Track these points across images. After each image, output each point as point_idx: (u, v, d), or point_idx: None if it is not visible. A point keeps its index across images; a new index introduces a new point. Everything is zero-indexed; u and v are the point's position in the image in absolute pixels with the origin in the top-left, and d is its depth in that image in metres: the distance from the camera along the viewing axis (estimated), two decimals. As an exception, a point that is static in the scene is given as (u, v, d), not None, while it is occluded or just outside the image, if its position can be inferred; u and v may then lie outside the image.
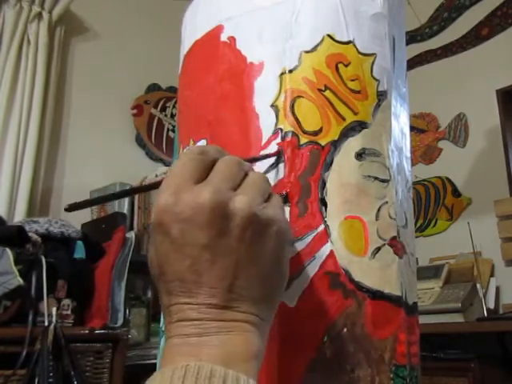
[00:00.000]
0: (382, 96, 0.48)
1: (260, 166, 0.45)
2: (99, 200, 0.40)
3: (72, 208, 0.36)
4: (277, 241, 0.34)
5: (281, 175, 0.44)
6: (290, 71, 0.46)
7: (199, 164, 0.34)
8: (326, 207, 0.43)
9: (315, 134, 0.45)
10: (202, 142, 0.50)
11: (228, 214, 0.32)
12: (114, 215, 2.03)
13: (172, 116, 2.78)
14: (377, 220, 0.44)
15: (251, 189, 0.34)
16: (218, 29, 0.51)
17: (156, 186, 0.35)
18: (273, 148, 0.45)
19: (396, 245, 0.45)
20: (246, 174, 0.36)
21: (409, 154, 0.53)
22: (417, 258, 0.68)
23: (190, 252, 0.32)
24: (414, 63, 2.59)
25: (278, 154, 0.44)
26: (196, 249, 0.32)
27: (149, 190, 0.39)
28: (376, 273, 0.43)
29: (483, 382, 1.65)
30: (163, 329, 0.49)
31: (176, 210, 0.32)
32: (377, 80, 0.48)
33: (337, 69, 0.46)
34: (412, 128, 2.43)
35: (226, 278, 0.32)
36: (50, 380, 1.26)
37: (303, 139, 0.45)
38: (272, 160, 0.45)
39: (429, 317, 1.74)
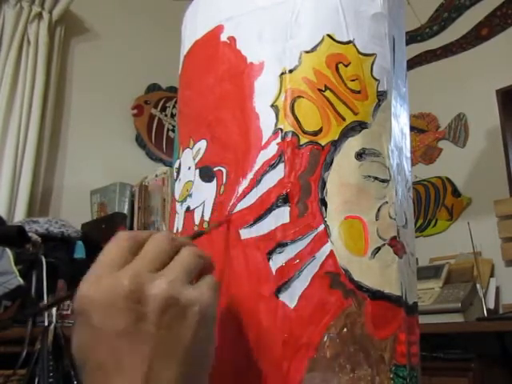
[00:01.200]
0: (381, 96, 0.48)
1: (260, 166, 0.45)
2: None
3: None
4: (198, 322, 0.33)
5: (281, 175, 0.44)
6: (290, 71, 0.46)
7: (124, 249, 0.34)
8: (326, 207, 0.43)
9: (315, 134, 0.45)
10: (202, 142, 0.50)
11: (144, 299, 0.32)
12: (114, 215, 2.03)
13: (172, 116, 2.77)
14: (377, 220, 0.44)
15: (176, 269, 0.34)
16: (218, 29, 0.51)
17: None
18: (273, 148, 0.45)
19: (396, 245, 0.45)
20: (178, 251, 0.35)
21: (409, 154, 0.53)
22: (417, 258, 0.67)
23: (108, 339, 0.31)
24: (413, 63, 2.59)
25: (226, 222, 0.44)
26: (113, 336, 0.31)
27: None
28: (376, 273, 0.43)
29: (483, 381, 1.64)
30: None
31: (95, 297, 0.32)
32: (377, 80, 0.48)
33: (337, 69, 0.46)
34: (412, 128, 2.43)
35: (145, 365, 0.31)
36: (50, 380, 1.26)
37: (303, 139, 0.45)
38: (272, 160, 0.45)
39: (429, 317, 1.74)
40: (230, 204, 0.45)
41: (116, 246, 0.34)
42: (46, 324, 1.38)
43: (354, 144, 0.45)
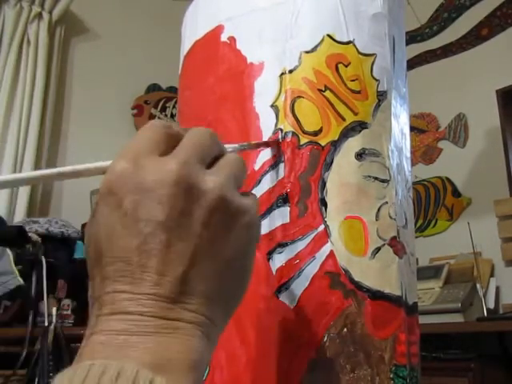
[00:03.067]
0: (381, 96, 0.48)
1: (260, 166, 0.45)
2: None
3: None
4: (245, 235, 0.29)
5: (281, 175, 0.44)
6: (290, 71, 0.46)
7: (165, 136, 0.29)
8: (325, 207, 0.43)
9: (315, 134, 0.45)
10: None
11: (195, 192, 0.27)
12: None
13: (172, 116, 2.78)
14: (377, 220, 0.44)
15: (226, 171, 0.29)
16: (219, 29, 0.51)
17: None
18: (273, 148, 0.45)
19: (396, 245, 0.45)
20: (221, 154, 0.31)
21: (409, 154, 0.53)
22: (417, 258, 0.68)
23: (143, 229, 0.26)
24: (413, 63, 2.59)
25: (278, 144, 0.44)
26: (150, 225, 0.26)
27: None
28: (376, 273, 0.43)
29: (483, 381, 1.64)
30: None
31: (133, 178, 0.27)
32: (377, 80, 0.48)
33: (337, 69, 0.46)
34: (412, 128, 2.43)
35: (180, 265, 0.26)
36: (50, 380, 1.26)
37: (303, 139, 0.45)
38: (272, 160, 0.45)
39: (429, 317, 1.74)
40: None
41: (153, 132, 0.29)
42: (46, 324, 1.38)
43: (353, 144, 0.45)
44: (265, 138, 0.46)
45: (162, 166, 0.27)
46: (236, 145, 0.38)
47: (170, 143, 0.29)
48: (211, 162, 0.30)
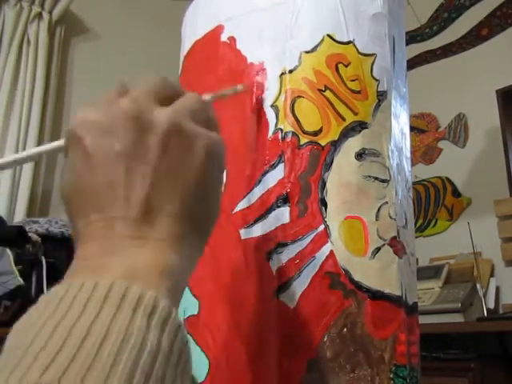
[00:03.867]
0: (381, 96, 0.48)
1: (260, 166, 0.45)
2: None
3: None
4: (203, 157, 0.30)
5: (281, 175, 0.44)
6: (290, 71, 0.46)
7: (121, 85, 0.32)
8: (326, 207, 0.43)
9: (315, 134, 0.45)
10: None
11: (147, 123, 0.29)
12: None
13: (172, 116, 2.78)
14: (377, 220, 0.44)
15: (178, 105, 0.31)
16: (219, 29, 0.51)
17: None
18: (273, 148, 0.45)
19: (396, 245, 0.45)
20: (178, 95, 0.33)
21: (409, 154, 0.53)
22: (417, 258, 0.68)
23: (103, 161, 0.28)
24: (413, 63, 2.59)
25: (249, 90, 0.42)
26: (109, 157, 0.28)
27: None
28: (376, 273, 0.43)
29: (483, 382, 1.64)
30: None
31: (91, 119, 0.29)
32: (377, 80, 0.48)
33: (337, 69, 0.46)
34: (412, 128, 2.42)
35: (143, 188, 0.28)
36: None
37: (303, 139, 0.45)
38: (272, 160, 0.45)
39: (429, 317, 1.74)
40: (230, 204, 0.45)
41: (113, 91, 0.32)
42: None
43: (353, 144, 0.45)
44: (264, 138, 0.46)
45: (114, 105, 0.30)
46: (208, 96, 0.38)
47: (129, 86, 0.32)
48: (167, 102, 0.31)
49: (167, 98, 0.32)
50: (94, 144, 0.28)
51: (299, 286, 0.41)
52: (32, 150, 0.34)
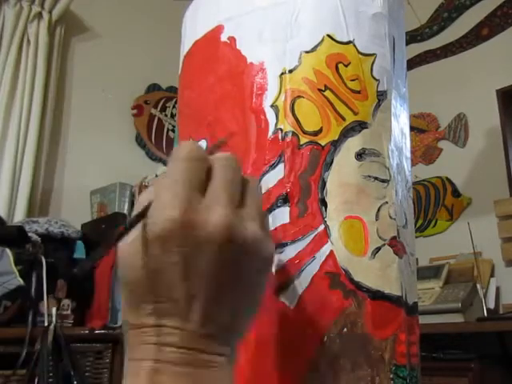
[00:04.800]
0: (381, 96, 0.48)
1: (259, 166, 0.45)
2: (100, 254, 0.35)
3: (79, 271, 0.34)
4: (260, 273, 0.33)
5: (281, 175, 0.44)
6: (290, 71, 0.46)
7: (200, 172, 0.32)
8: (326, 207, 0.43)
9: (315, 134, 0.45)
10: (202, 142, 0.50)
11: (239, 243, 0.30)
12: (113, 215, 2.03)
13: (172, 116, 2.78)
14: (377, 220, 0.44)
15: (255, 210, 0.33)
16: (218, 29, 0.51)
17: (138, 219, 0.31)
18: (273, 148, 0.45)
19: (396, 245, 0.45)
20: (244, 182, 0.34)
21: (409, 154, 0.53)
22: (417, 258, 0.67)
23: (191, 277, 0.30)
24: (413, 63, 2.59)
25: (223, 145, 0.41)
26: (197, 276, 0.30)
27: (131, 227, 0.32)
28: (376, 273, 0.43)
29: (483, 382, 1.64)
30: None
31: (188, 231, 0.29)
32: (377, 80, 0.48)
33: (337, 69, 0.46)
34: (412, 128, 2.43)
35: (224, 310, 0.31)
36: (50, 380, 1.26)
37: (303, 139, 0.45)
38: (272, 160, 0.45)
39: (429, 317, 1.74)
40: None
41: (189, 166, 0.31)
42: (46, 324, 1.38)
43: (353, 144, 0.45)
44: (264, 138, 0.46)
45: (207, 218, 0.30)
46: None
47: (203, 177, 0.32)
48: (240, 194, 0.33)
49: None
50: (185, 258, 0.29)
51: (299, 286, 0.41)
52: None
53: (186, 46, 0.57)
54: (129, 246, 0.31)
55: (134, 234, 0.30)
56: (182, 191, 0.30)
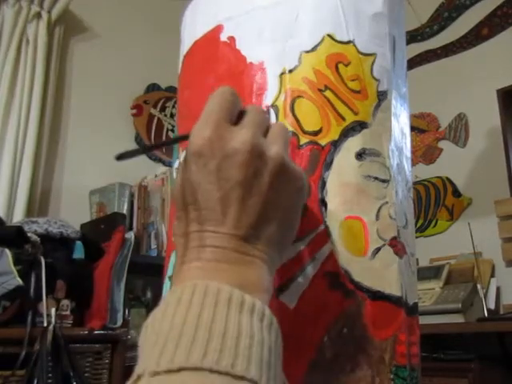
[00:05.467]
0: (382, 96, 0.48)
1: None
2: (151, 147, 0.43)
3: (122, 156, 0.38)
4: (296, 194, 0.37)
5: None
6: (290, 71, 0.46)
7: (233, 106, 0.37)
8: (326, 207, 0.43)
9: (315, 133, 0.45)
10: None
11: (263, 159, 0.34)
12: (113, 215, 2.03)
13: (171, 116, 2.77)
14: (377, 220, 0.44)
15: (279, 139, 0.36)
16: (218, 29, 0.51)
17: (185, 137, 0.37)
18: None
19: (396, 245, 0.45)
20: (270, 124, 0.38)
21: (409, 154, 0.52)
22: (417, 259, 0.67)
23: (224, 185, 0.34)
24: (414, 63, 2.59)
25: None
26: (230, 184, 0.34)
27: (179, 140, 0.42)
28: (376, 273, 0.43)
29: (483, 382, 1.64)
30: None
31: (217, 146, 0.34)
32: (377, 80, 0.48)
33: (337, 69, 0.46)
34: (412, 128, 2.42)
35: (252, 215, 0.34)
36: (49, 381, 1.25)
37: (303, 139, 0.44)
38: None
39: (429, 317, 1.74)
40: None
41: (225, 100, 0.37)
42: (45, 324, 1.38)
43: (354, 144, 0.45)
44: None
45: (237, 135, 0.34)
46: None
47: (235, 111, 0.37)
48: (266, 131, 0.37)
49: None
50: (218, 168, 0.34)
51: (299, 286, 0.41)
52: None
53: (185, 45, 0.57)
54: (177, 167, 0.36)
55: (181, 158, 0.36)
56: (214, 116, 0.35)
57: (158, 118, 2.74)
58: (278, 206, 0.36)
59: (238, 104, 0.38)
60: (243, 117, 0.37)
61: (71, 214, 2.14)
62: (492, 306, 2.01)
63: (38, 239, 1.49)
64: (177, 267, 0.35)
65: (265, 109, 0.40)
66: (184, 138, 0.37)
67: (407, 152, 0.52)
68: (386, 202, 0.45)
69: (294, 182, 0.36)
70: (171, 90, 2.75)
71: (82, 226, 2.03)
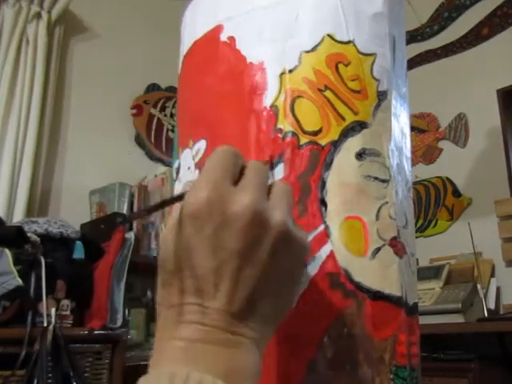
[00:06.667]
0: (382, 96, 0.48)
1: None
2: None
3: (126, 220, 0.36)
4: (299, 264, 0.34)
5: (281, 175, 0.44)
6: (290, 71, 0.46)
7: (234, 166, 0.34)
8: (325, 207, 0.43)
9: (315, 134, 0.45)
10: (202, 142, 0.50)
11: (266, 227, 0.31)
12: (113, 215, 2.03)
13: (171, 116, 2.77)
14: (377, 220, 0.44)
15: (282, 203, 0.34)
16: (218, 29, 0.51)
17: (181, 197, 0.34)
18: (273, 148, 0.45)
19: (396, 245, 0.45)
20: (272, 184, 0.36)
21: (409, 154, 0.52)
22: (417, 259, 0.67)
23: (220, 254, 0.31)
24: (414, 63, 2.59)
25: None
26: (226, 253, 0.31)
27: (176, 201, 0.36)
28: (376, 273, 0.43)
29: (483, 382, 1.64)
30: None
31: (216, 208, 0.31)
32: (377, 80, 0.48)
33: (337, 69, 0.46)
34: (412, 128, 2.41)
35: (248, 288, 0.31)
36: (49, 381, 1.26)
37: (303, 139, 0.44)
38: (272, 160, 0.44)
39: (429, 317, 1.74)
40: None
41: (226, 158, 0.34)
42: (45, 324, 1.38)
43: (353, 144, 0.45)
44: (264, 138, 0.45)
45: (238, 199, 0.31)
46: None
47: (237, 172, 0.34)
48: (268, 192, 0.34)
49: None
50: (215, 234, 0.31)
51: (299, 286, 0.41)
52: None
53: (185, 45, 0.57)
54: (167, 229, 0.33)
55: (173, 218, 0.32)
56: (213, 176, 0.32)
57: (158, 118, 2.74)
58: (278, 279, 0.32)
59: (239, 165, 0.35)
60: (243, 175, 0.34)
61: (71, 214, 2.14)
62: (492, 306, 2.01)
63: (38, 239, 1.49)
64: (157, 340, 0.32)
65: (267, 166, 0.36)
66: (179, 198, 0.34)
67: (407, 152, 0.52)
68: (386, 202, 0.45)
69: (297, 251, 0.33)
70: (171, 90, 2.75)
71: (82, 226, 2.03)
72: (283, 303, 0.34)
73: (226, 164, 0.34)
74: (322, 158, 0.44)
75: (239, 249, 0.31)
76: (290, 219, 0.33)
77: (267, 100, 0.46)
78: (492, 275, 2.14)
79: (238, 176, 0.34)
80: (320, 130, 0.45)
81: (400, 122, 0.51)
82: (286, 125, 0.45)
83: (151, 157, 2.66)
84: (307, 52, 0.46)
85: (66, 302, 1.51)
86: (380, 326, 0.42)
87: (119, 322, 1.59)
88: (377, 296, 0.43)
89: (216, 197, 0.31)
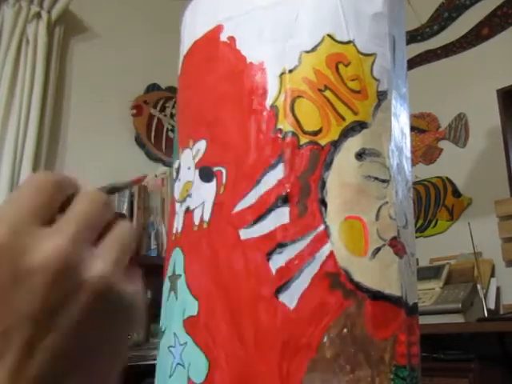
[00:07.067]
0: (382, 96, 0.48)
1: (259, 166, 0.45)
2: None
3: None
4: (123, 329, 0.27)
5: (281, 175, 0.44)
6: (290, 71, 0.46)
7: (51, 199, 0.26)
8: (325, 207, 0.43)
9: (315, 134, 0.45)
10: (202, 142, 0.50)
11: (77, 282, 0.24)
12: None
13: (171, 116, 2.77)
14: (377, 220, 0.44)
15: (112, 250, 0.26)
16: (218, 29, 0.51)
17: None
18: (273, 148, 0.45)
19: (396, 245, 0.45)
20: (112, 221, 0.28)
21: (409, 154, 0.52)
22: (417, 259, 0.67)
23: (5, 318, 0.23)
24: (414, 63, 2.58)
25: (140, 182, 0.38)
26: (14, 317, 0.23)
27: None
28: (376, 273, 0.43)
29: (483, 382, 1.64)
30: (163, 329, 0.48)
31: (7, 256, 0.24)
32: (377, 80, 0.48)
33: (337, 69, 0.46)
34: (412, 128, 2.41)
35: (41, 364, 0.23)
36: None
37: (303, 139, 0.44)
38: (272, 160, 0.44)
39: (429, 317, 1.74)
40: (230, 204, 0.45)
41: (38, 189, 0.26)
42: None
43: (353, 144, 0.45)
44: (264, 138, 0.45)
45: (40, 246, 0.24)
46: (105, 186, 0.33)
47: (55, 206, 0.26)
48: (100, 232, 0.27)
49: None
50: (3, 289, 0.23)
51: (299, 286, 0.41)
52: None
53: (185, 45, 0.57)
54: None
55: None
56: (13, 213, 0.25)
57: (158, 118, 2.73)
58: (91, 350, 0.25)
59: (63, 196, 0.26)
60: (66, 211, 0.26)
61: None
62: (492, 306, 2.00)
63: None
64: None
65: (106, 197, 0.28)
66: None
67: (407, 152, 0.52)
68: (386, 202, 0.45)
69: (121, 313, 0.26)
70: (171, 90, 2.75)
71: (82, 225, 2.02)
72: (96, 381, 0.26)
73: (36, 198, 0.25)
74: (322, 158, 0.44)
75: (34, 313, 0.23)
76: (116, 271, 0.26)
77: (267, 100, 0.46)
78: (492, 275, 2.14)
79: (56, 212, 0.26)
80: (320, 130, 0.45)
81: (400, 122, 0.51)
82: (285, 125, 0.45)
83: (151, 157, 2.65)
84: (307, 52, 0.46)
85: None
86: (380, 325, 0.42)
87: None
88: (377, 296, 0.43)
89: (9, 243, 0.24)
